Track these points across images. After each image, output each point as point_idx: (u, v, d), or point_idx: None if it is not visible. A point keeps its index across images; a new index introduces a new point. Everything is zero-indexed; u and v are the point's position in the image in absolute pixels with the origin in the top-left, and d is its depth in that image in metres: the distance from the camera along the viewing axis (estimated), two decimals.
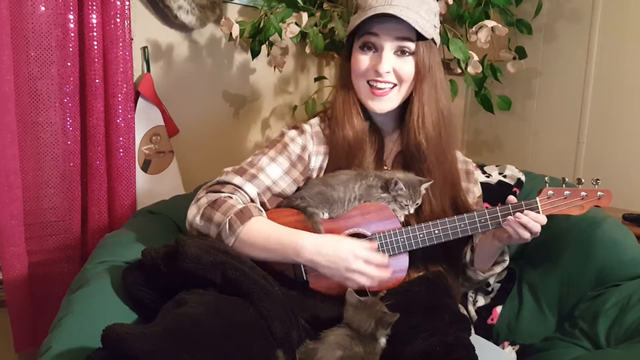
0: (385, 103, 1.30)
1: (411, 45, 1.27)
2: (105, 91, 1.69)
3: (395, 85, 1.29)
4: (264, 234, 1.16)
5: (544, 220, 1.24)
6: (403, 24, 1.24)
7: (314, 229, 1.21)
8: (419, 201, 1.28)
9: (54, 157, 1.68)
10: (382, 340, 1.03)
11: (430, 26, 1.28)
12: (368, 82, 1.29)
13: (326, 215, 1.25)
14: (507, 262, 1.40)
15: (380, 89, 1.28)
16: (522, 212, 1.23)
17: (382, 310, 1.03)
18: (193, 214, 1.21)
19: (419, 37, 1.27)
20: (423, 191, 1.28)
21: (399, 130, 1.38)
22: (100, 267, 1.23)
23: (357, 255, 1.13)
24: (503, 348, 1.40)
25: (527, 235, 1.22)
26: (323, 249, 1.14)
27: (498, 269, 1.38)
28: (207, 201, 1.21)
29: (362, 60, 1.29)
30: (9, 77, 1.53)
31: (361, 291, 1.12)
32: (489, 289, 1.51)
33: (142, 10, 1.89)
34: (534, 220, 1.22)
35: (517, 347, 1.39)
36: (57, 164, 1.68)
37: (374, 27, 1.26)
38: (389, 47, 1.27)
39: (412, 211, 1.28)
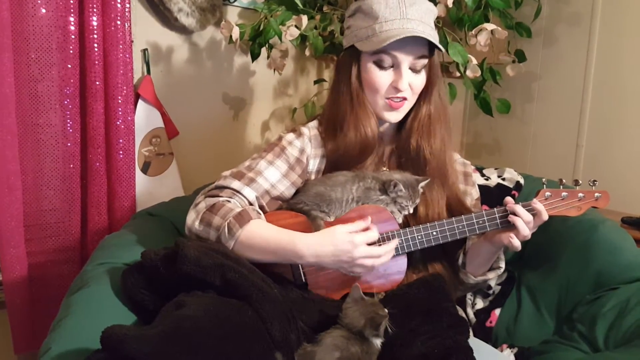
0: (399, 114, 1.32)
1: (425, 62, 1.29)
2: (105, 93, 1.70)
3: (406, 98, 1.30)
4: (263, 237, 1.16)
5: (545, 215, 1.25)
6: (421, 41, 1.25)
7: None
8: (418, 200, 1.29)
9: (54, 159, 1.68)
10: (377, 342, 1.03)
11: (437, 35, 1.29)
12: (385, 97, 1.29)
13: (332, 218, 1.25)
14: (502, 270, 1.39)
15: (396, 102, 1.29)
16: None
17: (377, 311, 1.03)
18: (192, 218, 1.21)
19: (430, 52, 1.29)
20: (421, 190, 1.28)
21: (396, 132, 1.39)
22: (100, 269, 1.24)
23: (355, 242, 1.14)
24: (501, 351, 1.40)
25: (527, 232, 1.23)
26: (322, 247, 1.14)
27: (491, 275, 1.37)
28: (205, 205, 1.21)
29: (381, 77, 1.27)
30: (10, 79, 1.54)
31: (367, 293, 1.12)
32: (490, 291, 1.51)
33: (142, 13, 1.90)
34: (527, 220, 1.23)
35: (515, 350, 1.39)
36: (57, 165, 1.69)
37: (392, 46, 1.23)
38: (406, 64, 1.26)
39: (411, 211, 1.29)
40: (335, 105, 1.35)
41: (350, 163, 1.32)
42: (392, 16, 1.23)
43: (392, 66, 1.27)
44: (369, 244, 1.16)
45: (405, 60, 1.26)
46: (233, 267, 1.05)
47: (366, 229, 1.17)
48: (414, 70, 1.28)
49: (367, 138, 1.30)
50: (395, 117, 1.32)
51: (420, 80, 1.30)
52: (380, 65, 1.27)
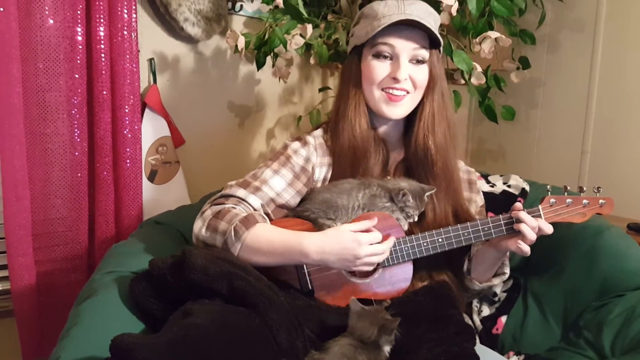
0: (400, 109, 1.32)
1: (426, 54, 1.30)
2: (112, 103, 1.72)
3: (408, 92, 1.31)
4: (269, 239, 1.17)
5: (549, 230, 1.24)
6: (419, 32, 1.27)
7: None
8: (423, 208, 1.29)
9: (61, 168, 1.70)
10: (386, 349, 1.03)
11: (438, 35, 1.30)
12: (383, 89, 1.30)
13: (339, 225, 1.25)
14: (506, 275, 1.40)
15: (396, 95, 1.30)
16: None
17: (385, 317, 1.04)
18: (199, 226, 1.22)
19: (431, 45, 1.30)
20: (426, 199, 1.29)
21: (402, 140, 1.39)
22: (108, 278, 1.24)
23: (361, 241, 1.15)
24: (508, 358, 1.40)
25: (533, 237, 1.23)
26: (327, 246, 1.15)
27: (496, 281, 1.38)
28: (211, 213, 1.22)
29: (379, 67, 1.29)
30: (18, 89, 1.56)
31: (366, 300, 1.12)
32: (495, 298, 1.51)
33: (148, 23, 1.92)
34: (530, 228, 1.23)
35: (522, 357, 1.39)
36: (65, 174, 1.70)
37: (390, 35, 1.27)
38: (405, 54, 1.28)
39: (416, 219, 1.29)
40: (335, 110, 1.38)
41: (349, 166, 1.32)
42: (391, 12, 1.26)
43: (391, 59, 1.29)
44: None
45: (404, 49, 1.28)
46: (240, 275, 1.05)
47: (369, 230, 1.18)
48: (414, 62, 1.29)
49: (356, 139, 1.31)
50: (395, 112, 1.32)
51: (421, 74, 1.30)
52: (378, 57, 1.29)
